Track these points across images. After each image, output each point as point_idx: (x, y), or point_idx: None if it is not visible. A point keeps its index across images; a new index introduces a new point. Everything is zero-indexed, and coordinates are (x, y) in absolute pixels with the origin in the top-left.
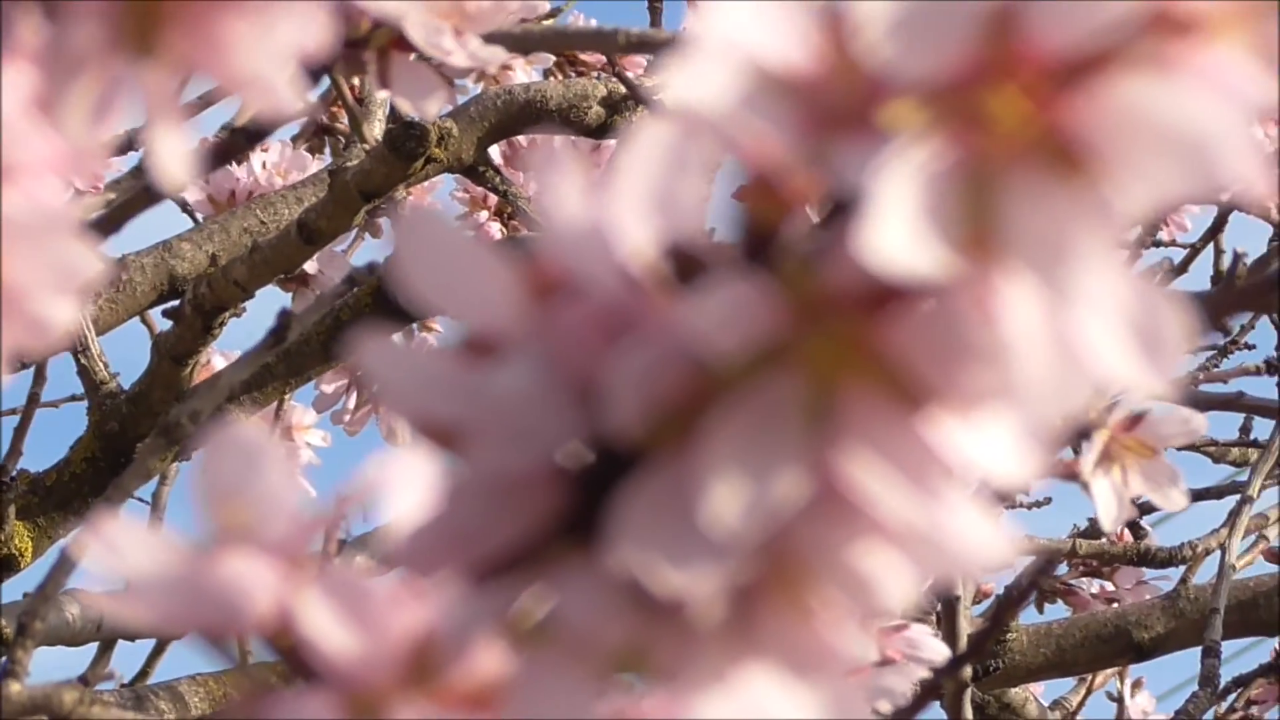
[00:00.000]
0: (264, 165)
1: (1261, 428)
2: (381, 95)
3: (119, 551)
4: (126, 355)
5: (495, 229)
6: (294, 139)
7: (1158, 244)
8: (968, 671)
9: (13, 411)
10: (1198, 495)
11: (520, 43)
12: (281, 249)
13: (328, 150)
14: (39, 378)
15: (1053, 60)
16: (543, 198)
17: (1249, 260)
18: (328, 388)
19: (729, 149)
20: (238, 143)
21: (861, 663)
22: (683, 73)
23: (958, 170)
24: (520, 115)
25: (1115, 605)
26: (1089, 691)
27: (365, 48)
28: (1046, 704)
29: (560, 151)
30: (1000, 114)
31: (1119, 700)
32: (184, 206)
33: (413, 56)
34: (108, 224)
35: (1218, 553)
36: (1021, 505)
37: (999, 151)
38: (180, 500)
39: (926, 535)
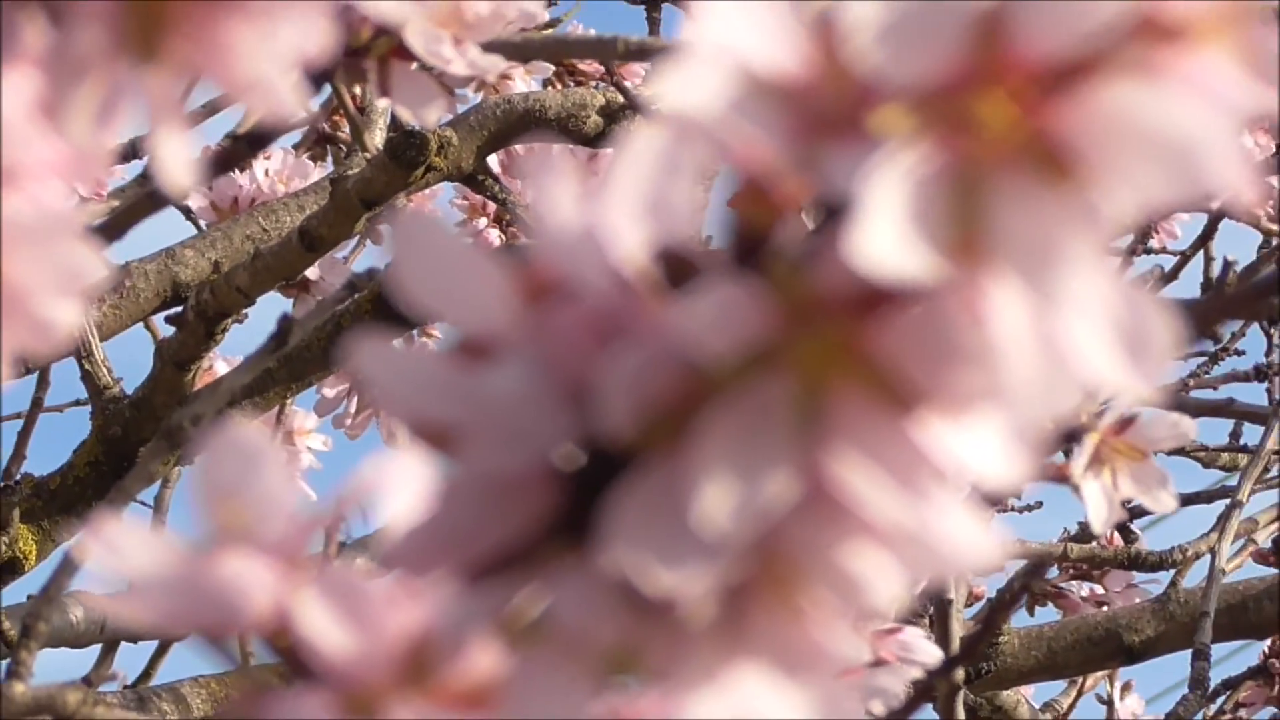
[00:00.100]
0: (266, 172)
1: (1251, 433)
2: (383, 104)
3: (120, 553)
4: (130, 360)
5: (494, 235)
6: (296, 147)
7: (1149, 251)
8: (960, 674)
9: (17, 416)
10: (1188, 500)
11: (520, 51)
12: (283, 256)
13: (330, 158)
14: (43, 382)
15: (1040, 66)
16: (537, 203)
17: (1239, 267)
18: (329, 392)
19: (720, 154)
20: (240, 150)
21: (854, 663)
22: (674, 78)
23: (946, 174)
24: (519, 124)
25: (1106, 608)
26: (1080, 694)
27: (366, 56)
28: (1038, 706)
29: (554, 157)
30: (988, 119)
31: (1109, 703)
32: (187, 213)
33: (413, 65)
34: (111, 230)
35: (1207, 557)
36: (1013, 509)
37: (987, 156)
38: (182, 503)
39: (915, 536)
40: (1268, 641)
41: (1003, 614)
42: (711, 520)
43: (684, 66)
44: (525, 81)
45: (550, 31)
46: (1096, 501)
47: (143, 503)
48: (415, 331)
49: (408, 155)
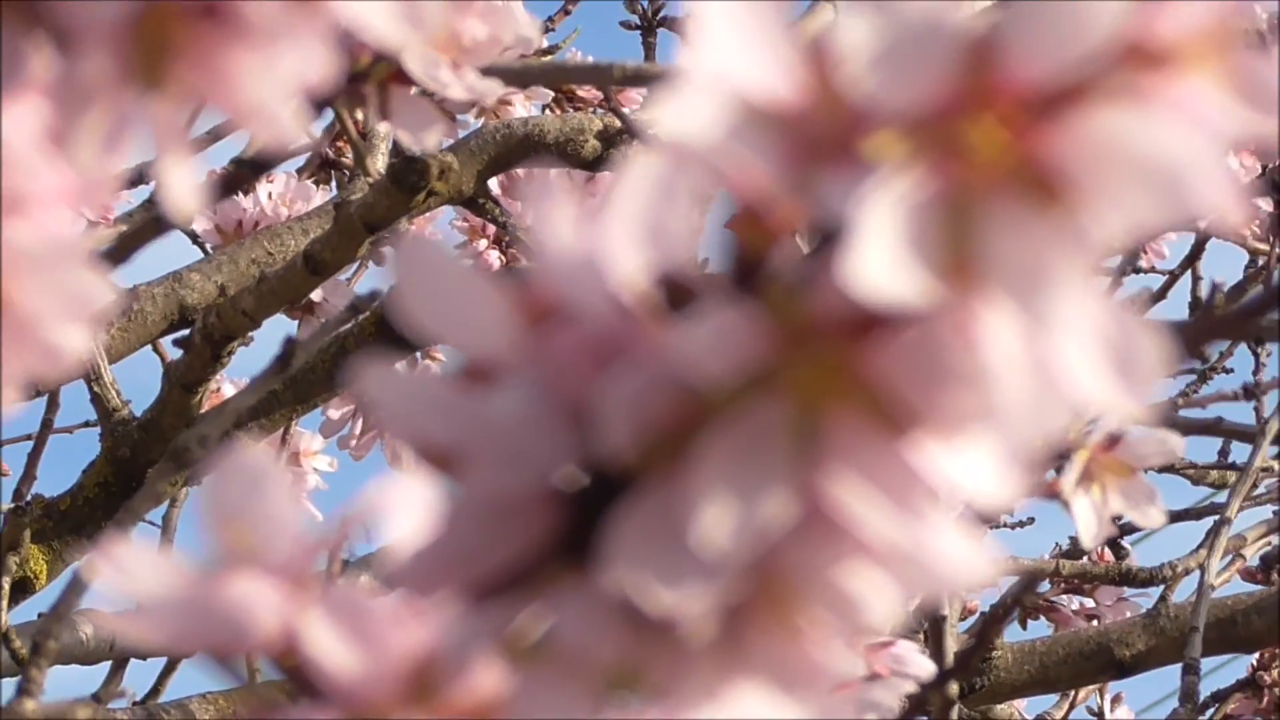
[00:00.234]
0: (270, 196)
1: (1239, 451)
2: (384, 129)
3: (129, 574)
4: (138, 383)
5: (494, 257)
6: (300, 171)
7: (1137, 271)
8: (954, 688)
9: (27, 437)
10: (1177, 516)
11: (518, 77)
12: (288, 279)
13: (333, 182)
14: (52, 404)
15: (1029, 91)
16: (537, 228)
17: (1226, 287)
18: (334, 414)
19: (717, 180)
20: (243, 174)
21: (849, 678)
22: (671, 105)
23: (939, 199)
24: (518, 149)
25: (1097, 623)
26: (1071, 707)
27: (366, 81)
28: (1030, 719)
29: (554, 183)
30: (979, 144)
31: (1100, 715)
32: (194, 238)
33: (413, 90)
34: (117, 254)
35: (1197, 572)
36: (1005, 525)
37: (978, 181)
38: (189, 523)
39: (911, 555)
40: (1256, 655)
41: (995, 628)
42: (711, 541)
43: (680, 94)
44: (525, 107)
45: (549, 58)
46: (1086, 517)
47: (151, 522)
48: (418, 353)
49: (409, 180)
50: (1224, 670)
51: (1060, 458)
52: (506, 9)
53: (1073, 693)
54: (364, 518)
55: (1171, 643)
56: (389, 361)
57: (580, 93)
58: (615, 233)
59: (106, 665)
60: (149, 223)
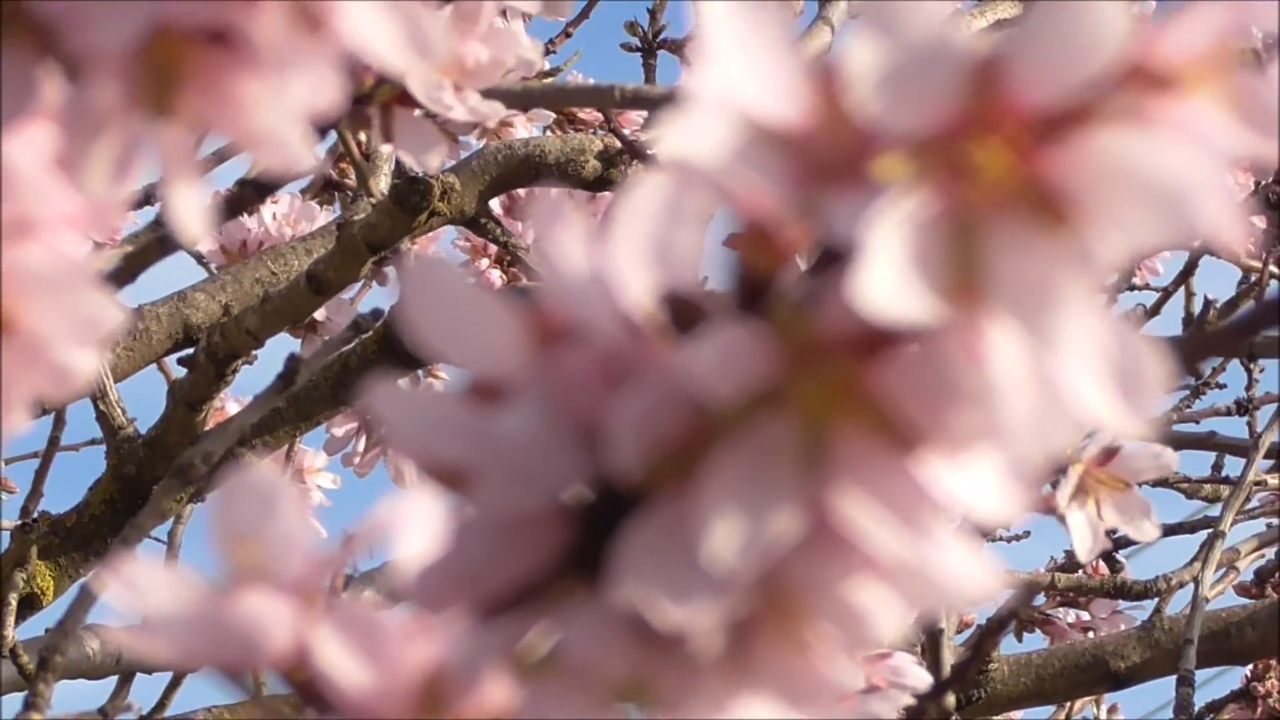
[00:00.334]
0: (274, 216)
1: (1232, 465)
2: (387, 150)
3: (140, 591)
4: (143, 401)
5: (495, 276)
6: (303, 191)
7: (1132, 288)
8: (951, 699)
9: (34, 455)
10: (1171, 530)
11: (520, 99)
12: (291, 299)
13: (336, 203)
14: (59, 423)
15: (1034, 114)
16: (545, 249)
17: (1219, 304)
18: (338, 431)
19: (724, 201)
20: (247, 195)
21: (849, 690)
22: (679, 126)
23: (945, 220)
24: (520, 169)
25: (1092, 635)
26: (1068, 718)
27: (369, 103)
28: None
29: (562, 205)
30: (985, 165)
31: None
32: (199, 258)
33: (416, 112)
34: (123, 274)
35: (1191, 585)
36: (1001, 539)
37: (984, 201)
38: (195, 539)
39: (917, 571)
40: (1249, 666)
41: (992, 641)
42: (719, 556)
43: (688, 115)
44: (526, 128)
45: (550, 80)
46: (1081, 531)
47: (156, 539)
48: (421, 371)
49: (412, 201)
50: (1217, 682)
51: (1056, 472)
52: (508, 32)
53: (1068, 704)
54: (373, 535)
55: (1166, 655)
56: (393, 380)
57: (581, 114)
58: (623, 253)
59: (113, 680)
60: (154, 243)
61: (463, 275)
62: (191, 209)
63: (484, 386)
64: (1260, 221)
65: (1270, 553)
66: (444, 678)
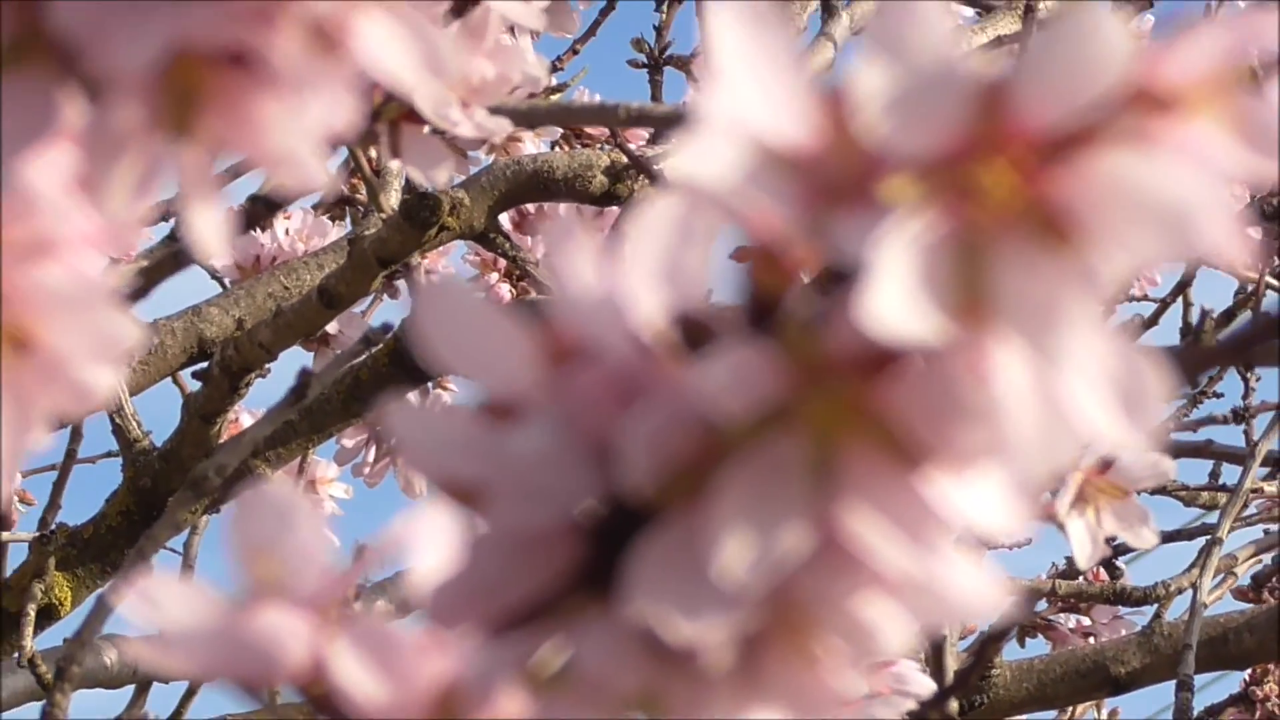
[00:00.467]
0: (287, 232)
1: (1230, 473)
2: (397, 166)
3: (158, 605)
4: (158, 414)
5: (505, 290)
6: (315, 207)
7: (1130, 298)
8: (954, 705)
9: (52, 468)
10: (1170, 537)
11: (526, 117)
12: (303, 313)
13: (348, 218)
14: (76, 436)
15: (1040, 136)
16: (558, 269)
17: (1215, 314)
18: (349, 442)
19: (734, 222)
20: (259, 211)
21: (852, 697)
22: (689, 148)
23: (951, 240)
24: (528, 185)
25: (1092, 641)
26: None
27: (378, 120)
28: None
29: (573, 225)
30: (991, 187)
31: None
32: (212, 273)
33: (424, 129)
34: (139, 290)
35: (1189, 591)
36: (1003, 546)
37: (990, 222)
38: (210, 550)
39: (924, 586)
40: (1248, 671)
41: (994, 647)
42: (730, 572)
43: (698, 137)
44: (534, 144)
45: (556, 97)
46: (1081, 539)
47: (172, 550)
48: (430, 384)
49: (421, 216)
50: (1216, 686)
51: (1056, 481)
52: (515, 49)
53: (1070, 709)
54: (389, 549)
55: (1165, 660)
56: (404, 393)
57: (588, 129)
58: (635, 273)
59: (130, 689)
60: (169, 258)
61: (476, 294)
62: (211, 227)
63: (497, 404)
64: (1256, 233)
65: (1267, 558)
66: (459, 691)
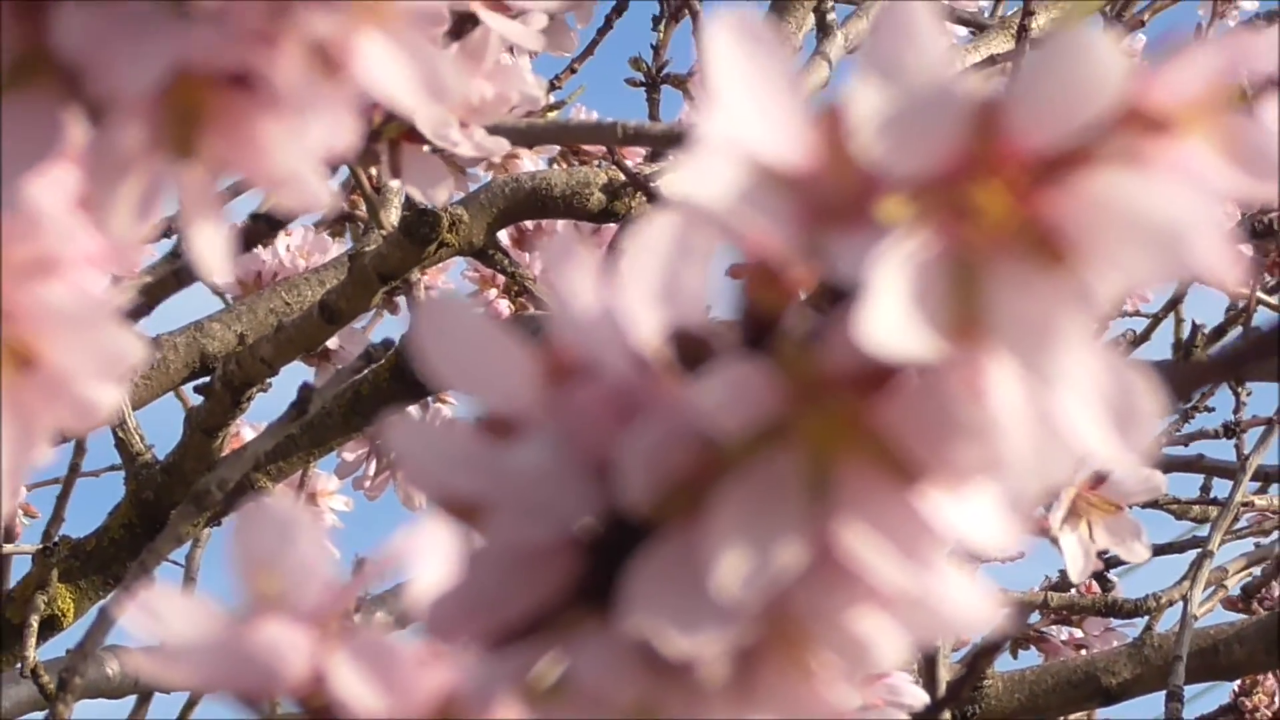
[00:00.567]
0: (288, 248)
1: (1221, 487)
2: (397, 184)
3: (159, 618)
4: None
5: (504, 306)
6: (317, 224)
7: (1123, 314)
8: (946, 716)
9: (55, 481)
10: (1161, 550)
11: (524, 135)
12: (305, 328)
13: (348, 234)
14: (80, 449)
15: (1033, 156)
16: (557, 287)
17: (1207, 330)
18: (349, 456)
19: (731, 241)
20: (260, 229)
21: (848, 710)
22: (687, 168)
23: (946, 260)
24: (527, 202)
25: (1084, 652)
26: None
27: (378, 140)
28: None
29: (572, 243)
30: (985, 207)
31: None
32: (215, 289)
33: (424, 148)
34: (142, 307)
35: (1180, 603)
36: (997, 560)
37: (984, 242)
38: (213, 563)
39: (919, 601)
40: (1238, 681)
41: (986, 659)
42: (726, 587)
43: (695, 158)
44: (533, 160)
45: (554, 115)
46: (1074, 553)
47: (174, 562)
48: (430, 398)
49: (421, 232)
50: (1207, 697)
51: (1049, 496)
52: (513, 69)
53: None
54: (389, 563)
55: (1156, 671)
56: (404, 408)
57: (586, 146)
58: (633, 292)
59: (132, 699)
60: (171, 275)
61: (476, 312)
62: (213, 247)
63: (497, 421)
64: (1247, 249)
65: (1258, 571)
66: (457, 704)
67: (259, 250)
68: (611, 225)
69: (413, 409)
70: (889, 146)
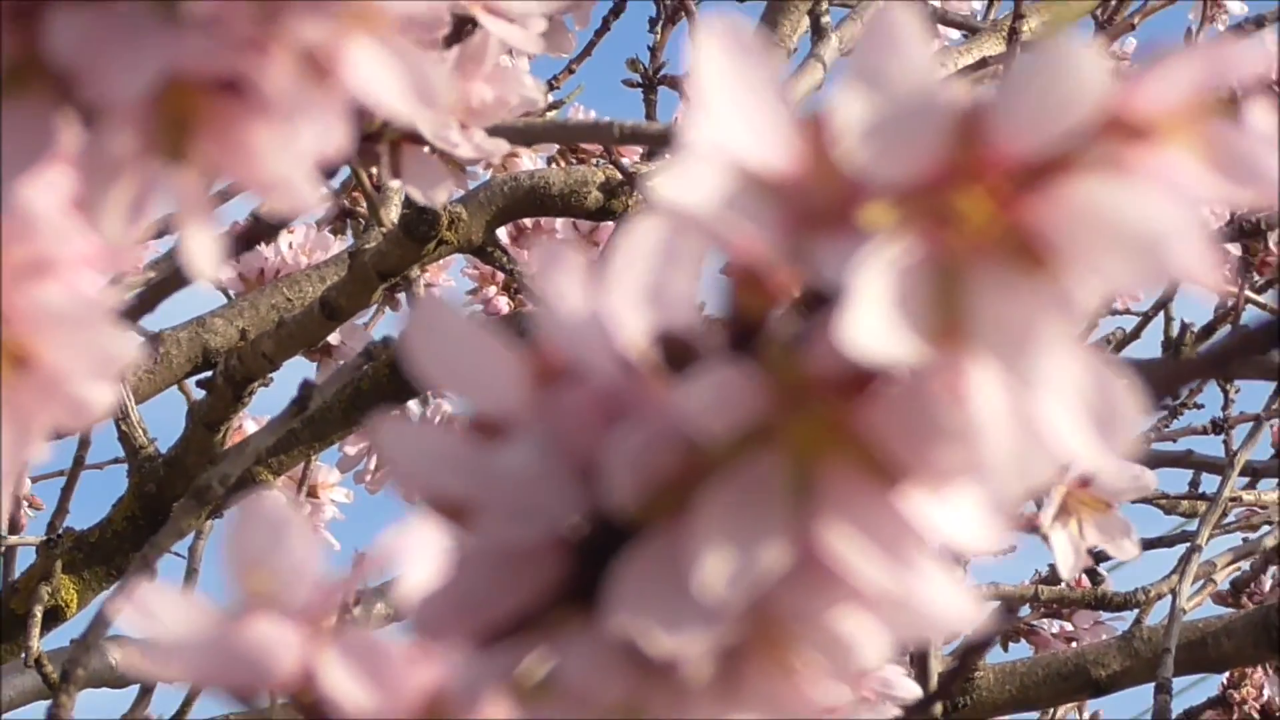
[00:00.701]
0: (290, 246)
1: (1209, 482)
2: (397, 182)
3: (153, 616)
4: (164, 422)
5: (503, 303)
6: (318, 222)
7: (1113, 312)
8: (938, 709)
9: (60, 474)
10: (1150, 544)
11: (523, 135)
12: (306, 324)
13: (349, 232)
14: (84, 443)
15: (1015, 164)
16: (545, 291)
17: (1195, 328)
18: (350, 450)
19: (717, 246)
20: (261, 228)
21: (837, 703)
22: (673, 174)
23: (929, 265)
24: (525, 200)
25: (1074, 645)
26: None
27: (379, 141)
28: None
29: (560, 246)
30: (968, 213)
31: None
32: (217, 285)
33: (424, 148)
34: (145, 303)
35: (1169, 597)
36: (986, 556)
37: (966, 248)
38: (215, 554)
39: (901, 601)
40: (1226, 674)
41: (977, 652)
42: (710, 587)
43: (682, 163)
44: (532, 159)
45: (552, 114)
46: (1064, 550)
47: (177, 554)
48: (430, 392)
49: (420, 230)
50: (1194, 690)
51: (1038, 494)
52: (512, 72)
53: (1052, 711)
54: (381, 560)
55: (1145, 663)
56: (402, 403)
57: (584, 146)
58: (619, 296)
59: (135, 689)
60: (172, 274)
61: (465, 315)
62: (204, 249)
63: (485, 423)
64: (1235, 249)
65: (1246, 565)
66: (445, 701)
67: (261, 247)
68: (609, 223)
69: (413, 404)
70: (873, 153)
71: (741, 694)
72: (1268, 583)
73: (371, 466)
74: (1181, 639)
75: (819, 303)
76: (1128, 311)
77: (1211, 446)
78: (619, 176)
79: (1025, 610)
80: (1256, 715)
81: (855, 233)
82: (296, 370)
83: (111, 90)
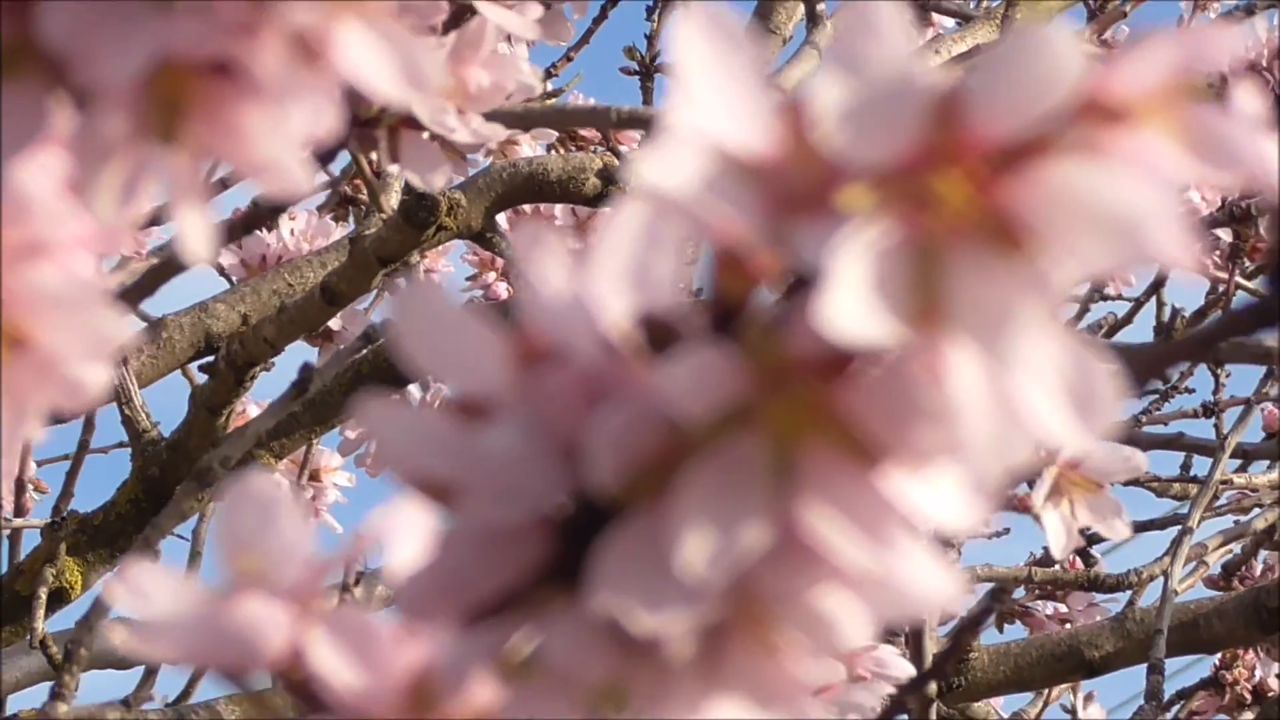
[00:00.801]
0: (292, 232)
1: (1200, 465)
2: (397, 169)
3: (145, 596)
4: (167, 406)
5: (503, 289)
6: (320, 208)
7: (1105, 298)
8: (933, 688)
9: (64, 457)
10: (1142, 526)
11: (520, 120)
12: (306, 309)
13: (350, 218)
14: (88, 427)
15: (993, 146)
16: (528, 274)
17: (1187, 313)
18: (351, 434)
19: (698, 229)
20: (261, 213)
21: (831, 681)
22: (654, 158)
23: (907, 247)
24: (524, 187)
25: (1068, 626)
26: (1045, 705)
27: (377, 126)
28: (1006, 716)
29: (543, 230)
30: (946, 196)
31: (1072, 713)
32: (220, 270)
33: (423, 134)
34: (147, 287)
35: (1161, 579)
36: (982, 536)
37: (944, 230)
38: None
39: (882, 580)
40: (1218, 655)
41: (971, 633)
42: (692, 566)
43: (662, 147)
44: (531, 146)
45: (551, 101)
46: (1056, 531)
47: (180, 535)
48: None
49: (419, 216)
50: (1187, 671)
51: (1028, 474)
52: (510, 58)
53: (1046, 691)
54: (371, 541)
55: (1138, 645)
56: (402, 387)
57: (582, 132)
58: (602, 278)
59: (140, 670)
60: (173, 257)
61: (450, 299)
62: (198, 232)
63: (469, 405)
64: (1225, 234)
65: (1237, 547)
66: (432, 679)
67: (263, 233)
68: (607, 209)
69: (414, 388)
70: (851, 136)
71: (724, 672)
72: (1259, 565)
73: (371, 450)
74: (1174, 620)
75: (799, 285)
76: (1120, 297)
77: (1203, 430)
78: (617, 163)
79: (1020, 592)
80: (1249, 696)
81: (834, 215)
82: (298, 355)
83: (104, 73)
